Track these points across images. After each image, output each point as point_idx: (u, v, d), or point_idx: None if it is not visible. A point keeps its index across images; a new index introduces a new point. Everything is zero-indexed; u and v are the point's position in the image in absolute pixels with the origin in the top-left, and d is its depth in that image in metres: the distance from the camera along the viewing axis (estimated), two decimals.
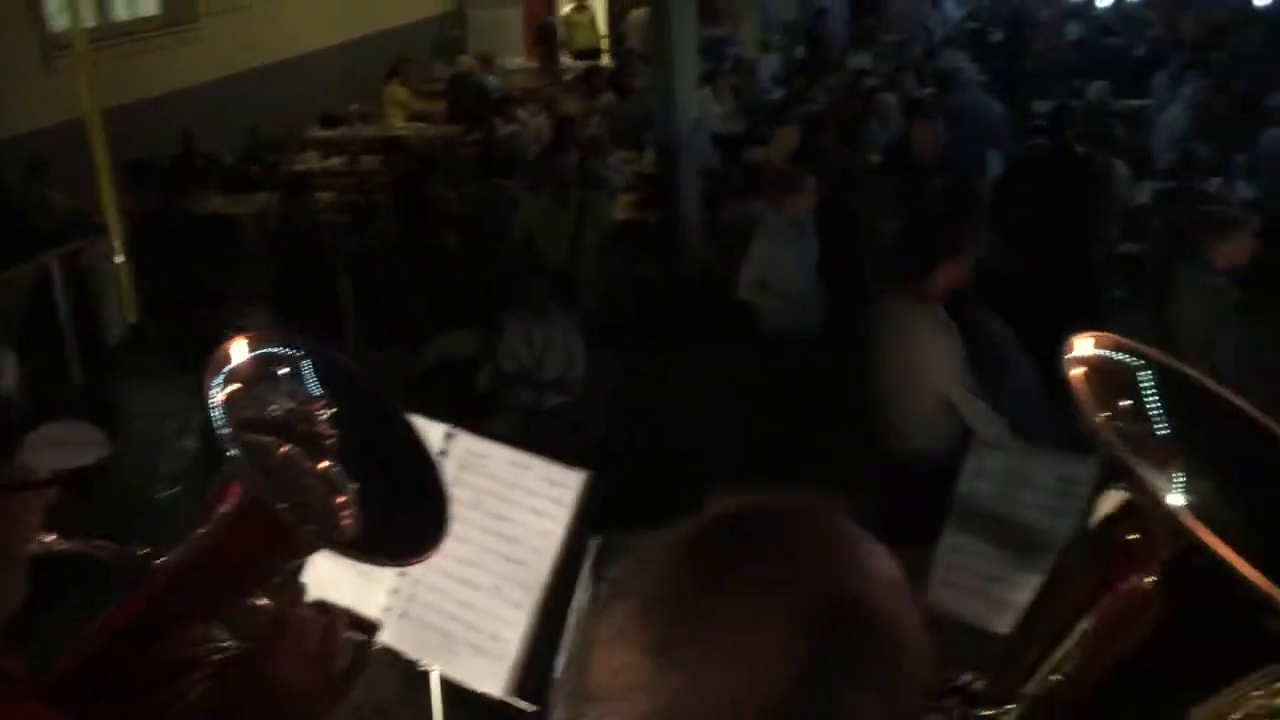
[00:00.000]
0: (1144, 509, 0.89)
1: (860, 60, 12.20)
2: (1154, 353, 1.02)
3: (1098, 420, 0.91)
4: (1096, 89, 10.37)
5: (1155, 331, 7.30)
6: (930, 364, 4.37)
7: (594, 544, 1.90)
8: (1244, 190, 8.52)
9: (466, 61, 13.73)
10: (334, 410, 1.38)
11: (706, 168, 9.32)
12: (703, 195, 8.96)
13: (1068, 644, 0.94)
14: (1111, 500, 0.93)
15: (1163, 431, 1.00)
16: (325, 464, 1.36)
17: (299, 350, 1.39)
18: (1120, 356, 1.00)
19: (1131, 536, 0.91)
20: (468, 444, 2.06)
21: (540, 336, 6.34)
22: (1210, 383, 1.02)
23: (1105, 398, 0.98)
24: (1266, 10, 11.11)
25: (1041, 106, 10.03)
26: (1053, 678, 0.95)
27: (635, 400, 6.92)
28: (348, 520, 1.35)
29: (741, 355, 6.91)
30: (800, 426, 6.08)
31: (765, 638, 0.76)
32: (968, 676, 1.02)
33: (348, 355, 1.47)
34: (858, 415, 5.96)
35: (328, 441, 1.37)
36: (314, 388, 1.38)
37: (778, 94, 11.71)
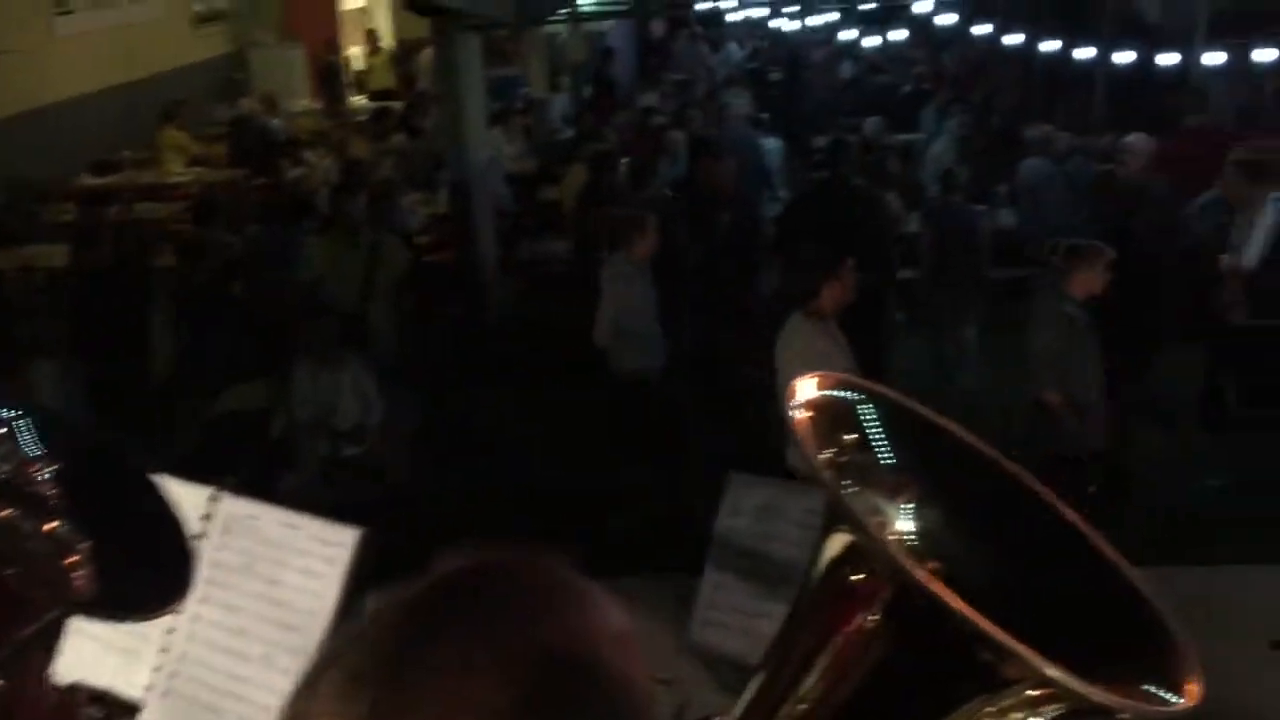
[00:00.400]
0: (865, 550, 0.92)
1: (648, 99, 12.46)
2: (877, 387, 1.05)
3: (818, 464, 0.93)
4: (871, 125, 10.86)
5: (933, 351, 7.73)
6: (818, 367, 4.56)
7: (370, 602, 1.85)
8: (1006, 218, 9.09)
9: (248, 104, 13.33)
10: (57, 468, 1.32)
11: (500, 207, 9.33)
12: (498, 234, 8.97)
13: (809, 679, 0.95)
14: (837, 542, 0.95)
15: (889, 463, 1.04)
16: (52, 524, 1.30)
17: (14, 410, 1.33)
18: (843, 394, 1.03)
19: (856, 577, 0.93)
20: (233, 506, 1.97)
21: (331, 383, 6.18)
22: (930, 412, 1.06)
23: (831, 436, 1.00)
24: (1019, 49, 11.92)
25: (821, 142, 10.44)
26: (799, 708, 0.97)
27: (436, 444, 6.82)
28: (81, 580, 1.29)
29: (551, 394, 6.92)
30: (603, 467, 6.12)
31: (477, 700, 0.74)
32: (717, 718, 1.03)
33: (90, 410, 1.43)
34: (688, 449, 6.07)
35: (52, 501, 1.31)
36: (33, 447, 1.33)
37: (569, 133, 11.84)
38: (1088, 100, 10.73)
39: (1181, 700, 0.88)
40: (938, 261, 7.54)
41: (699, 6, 12.37)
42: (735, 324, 7.09)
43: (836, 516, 0.94)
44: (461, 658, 0.75)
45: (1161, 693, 0.89)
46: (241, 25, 15.58)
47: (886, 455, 1.04)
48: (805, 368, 3.81)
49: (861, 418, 1.03)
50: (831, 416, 1.01)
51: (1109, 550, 1.02)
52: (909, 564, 0.85)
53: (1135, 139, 7.71)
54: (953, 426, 1.06)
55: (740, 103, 11.36)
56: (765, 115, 11.84)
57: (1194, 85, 10.11)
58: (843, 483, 1.00)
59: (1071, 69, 10.99)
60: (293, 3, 16.00)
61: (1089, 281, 5.35)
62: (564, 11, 11.35)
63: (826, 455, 0.98)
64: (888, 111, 11.66)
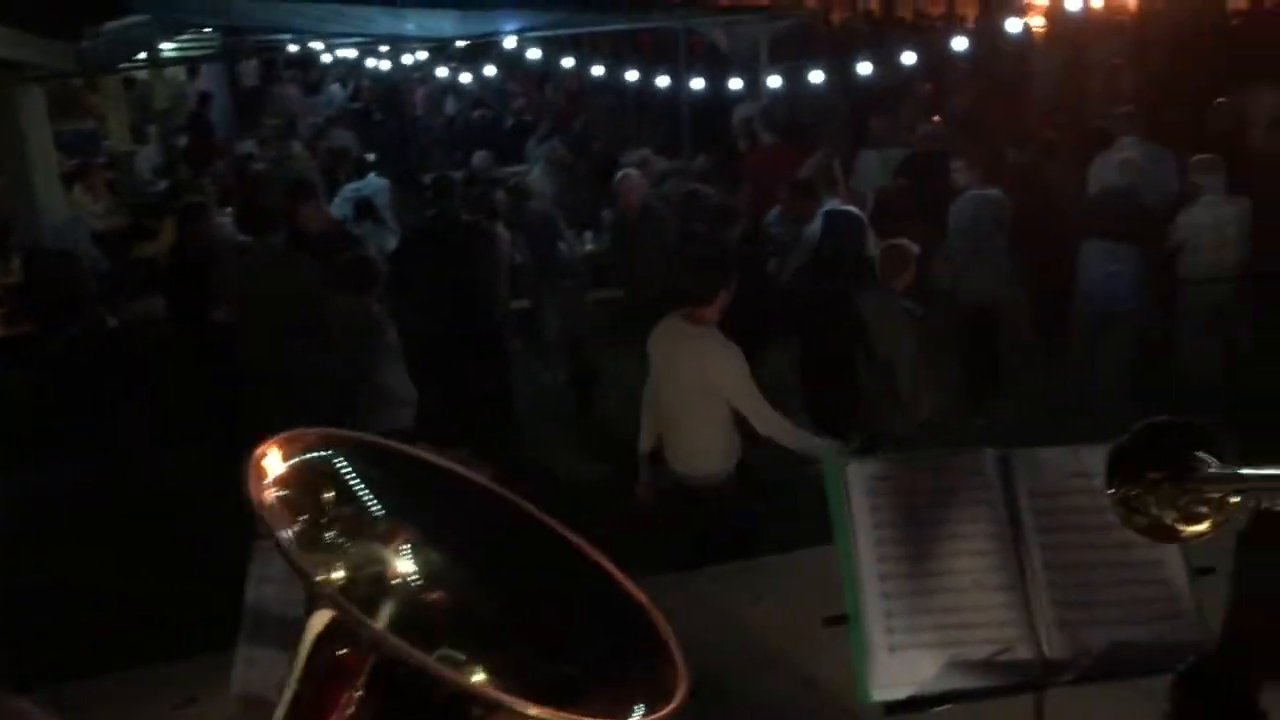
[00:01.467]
0: (343, 624, 0.89)
1: (246, 145, 11.99)
2: (351, 435, 1.03)
3: (282, 539, 0.90)
4: (479, 159, 11.01)
5: (554, 376, 7.89)
6: (720, 379, 4.69)
7: None
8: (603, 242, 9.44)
9: None
10: None
11: (92, 268, 8.63)
12: (94, 296, 8.28)
13: None
14: (320, 619, 0.93)
15: (378, 510, 1.03)
16: None
17: None
18: (315, 453, 1.00)
19: (342, 652, 0.91)
20: None
21: None
22: (415, 450, 1.06)
23: (310, 500, 0.97)
24: (610, 81, 12.47)
25: (429, 179, 10.45)
26: None
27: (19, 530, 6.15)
28: None
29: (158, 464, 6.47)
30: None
31: None
32: None
33: None
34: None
35: None
36: None
37: (162, 185, 11.17)
38: (674, 125, 11.38)
39: (667, 709, 0.93)
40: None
41: (291, 49, 12.02)
42: None
43: (312, 594, 0.91)
44: None
45: (649, 704, 0.93)
46: None
47: (373, 502, 1.02)
48: (702, 372, 3.82)
49: (340, 472, 1.01)
50: (305, 481, 0.97)
51: (609, 566, 1.07)
52: (383, 634, 0.84)
53: (629, 173, 8.29)
54: (442, 461, 1.07)
55: (353, 146, 11.18)
56: (371, 155, 11.70)
57: (770, 107, 11.00)
58: (328, 537, 0.98)
59: (658, 97, 11.63)
60: None
61: (906, 277, 5.78)
62: (140, 58, 10.63)
63: (302, 523, 0.95)
64: (495, 145, 11.86)
